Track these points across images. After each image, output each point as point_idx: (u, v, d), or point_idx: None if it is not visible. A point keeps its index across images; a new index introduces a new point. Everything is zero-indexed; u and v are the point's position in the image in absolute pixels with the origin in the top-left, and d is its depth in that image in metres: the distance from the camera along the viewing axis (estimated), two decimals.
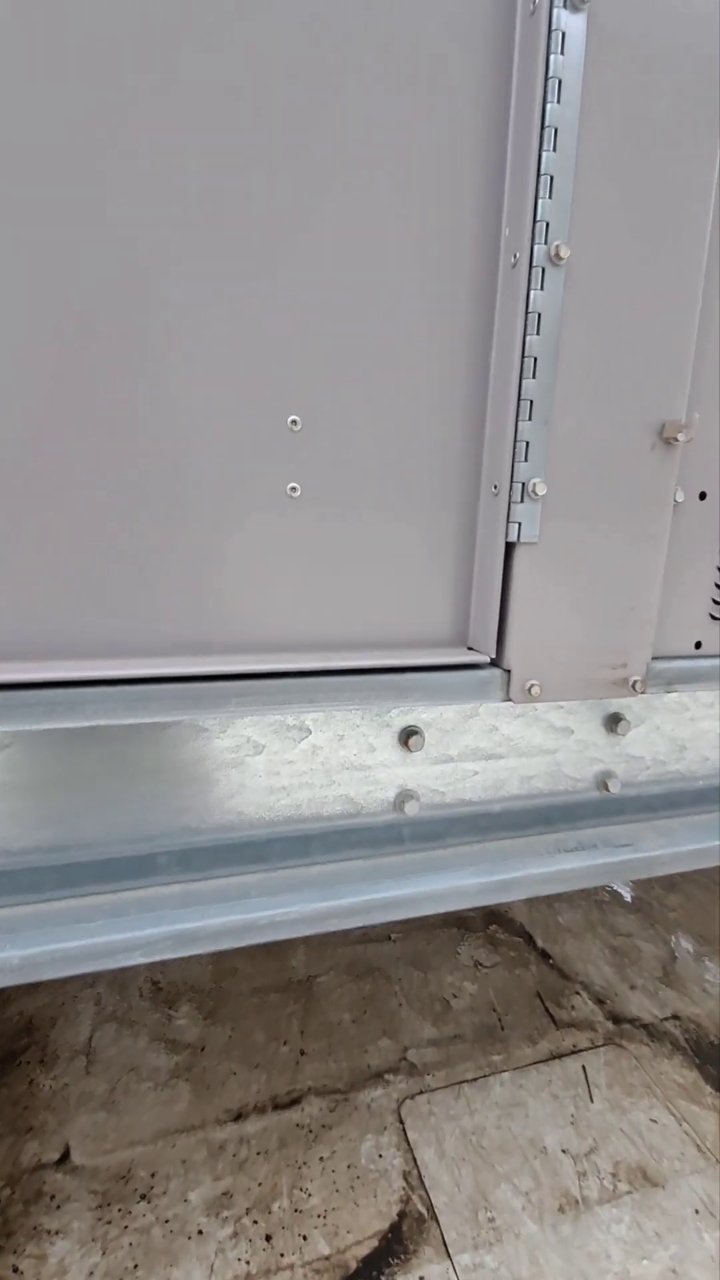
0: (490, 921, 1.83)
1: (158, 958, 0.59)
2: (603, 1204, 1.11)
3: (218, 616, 0.69)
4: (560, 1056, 1.39)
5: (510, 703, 0.77)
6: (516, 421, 0.70)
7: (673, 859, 0.82)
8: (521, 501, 0.72)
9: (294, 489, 0.69)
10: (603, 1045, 1.43)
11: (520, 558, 0.74)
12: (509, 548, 0.74)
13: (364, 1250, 1.04)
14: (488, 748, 0.81)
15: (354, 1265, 1.02)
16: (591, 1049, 1.42)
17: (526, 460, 0.71)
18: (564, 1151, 1.20)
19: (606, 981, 1.62)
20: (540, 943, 1.75)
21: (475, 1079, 1.33)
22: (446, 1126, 1.23)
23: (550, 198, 0.65)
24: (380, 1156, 1.17)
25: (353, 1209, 1.09)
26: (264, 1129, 1.22)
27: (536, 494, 0.71)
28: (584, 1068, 1.37)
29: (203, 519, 0.67)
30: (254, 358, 0.65)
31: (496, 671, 0.77)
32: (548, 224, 0.65)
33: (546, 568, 0.75)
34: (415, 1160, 1.17)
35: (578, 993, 1.58)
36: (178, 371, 0.63)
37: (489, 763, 0.81)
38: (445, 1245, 1.04)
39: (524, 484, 0.71)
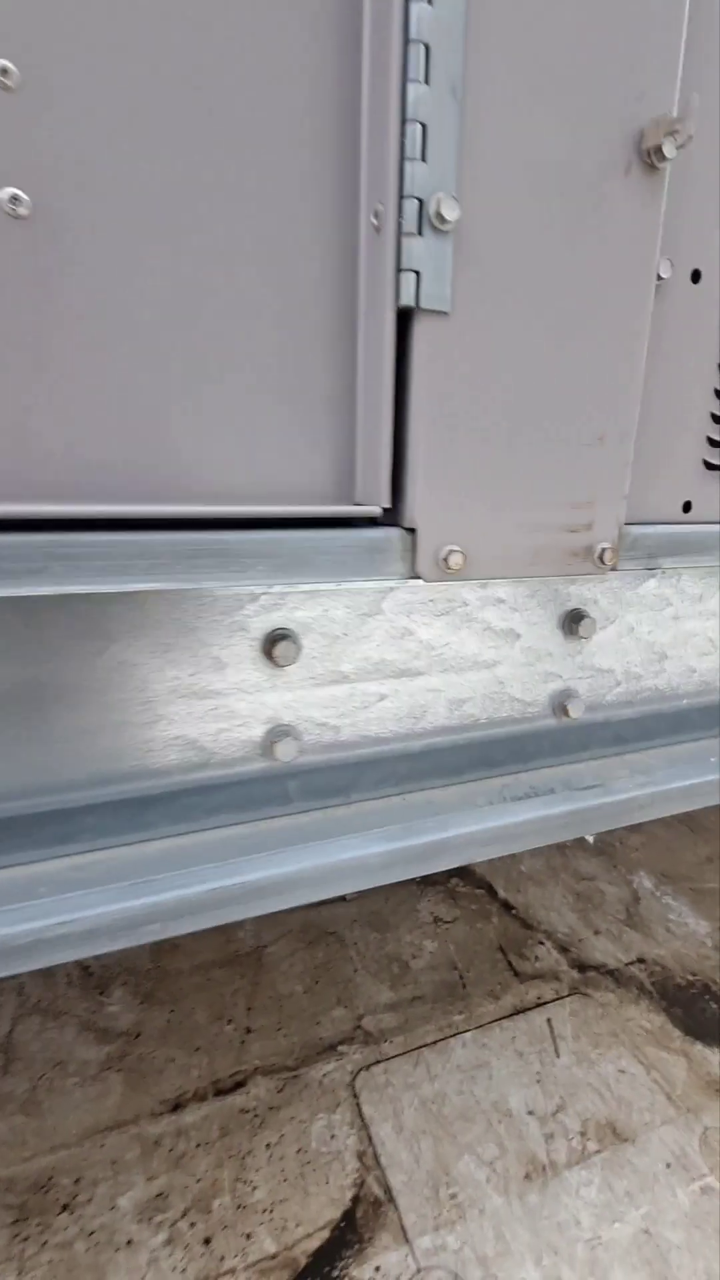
0: (450, 874, 1.74)
1: None
2: (571, 1167, 1.04)
3: None
4: (524, 1010, 1.31)
5: (420, 582, 0.52)
6: (403, 82, 0.42)
7: (652, 801, 0.63)
8: (419, 234, 0.44)
9: (15, 200, 0.41)
10: (568, 995, 1.35)
11: (422, 339, 0.47)
12: (403, 318, 0.47)
13: (314, 1243, 0.94)
14: (399, 661, 0.58)
15: (303, 1261, 0.92)
16: (556, 1000, 1.34)
17: (424, 159, 0.42)
18: (530, 1113, 1.12)
19: (570, 928, 1.55)
20: (502, 892, 1.67)
21: (435, 1042, 1.24)
22: (405, 1097, 1.14)
23: None
24: (333, 1137, 1.07)
25: (302, 1199, 0.99)
26: (204, 1118, 1.10)
27: (443, 220, 0.43)
28: (549, 1020, 1.29)
29: None
30: None
31: (394, 532, 0.51)
32: None
33: (466, 358, 0.48)
34: (370, 1137, 1.07)
35: (541, 942, 1.50)
36: None
37: (402, 682, 0.58)
38: (404, 1229, 0.95)
39: (421, 203, 0.43)
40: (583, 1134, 1.09)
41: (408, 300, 0.47)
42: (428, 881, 1.71)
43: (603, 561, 0.58)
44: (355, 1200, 0.99)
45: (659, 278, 0.55)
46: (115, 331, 0.45)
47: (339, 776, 0.59)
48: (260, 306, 0.47)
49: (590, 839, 1.93)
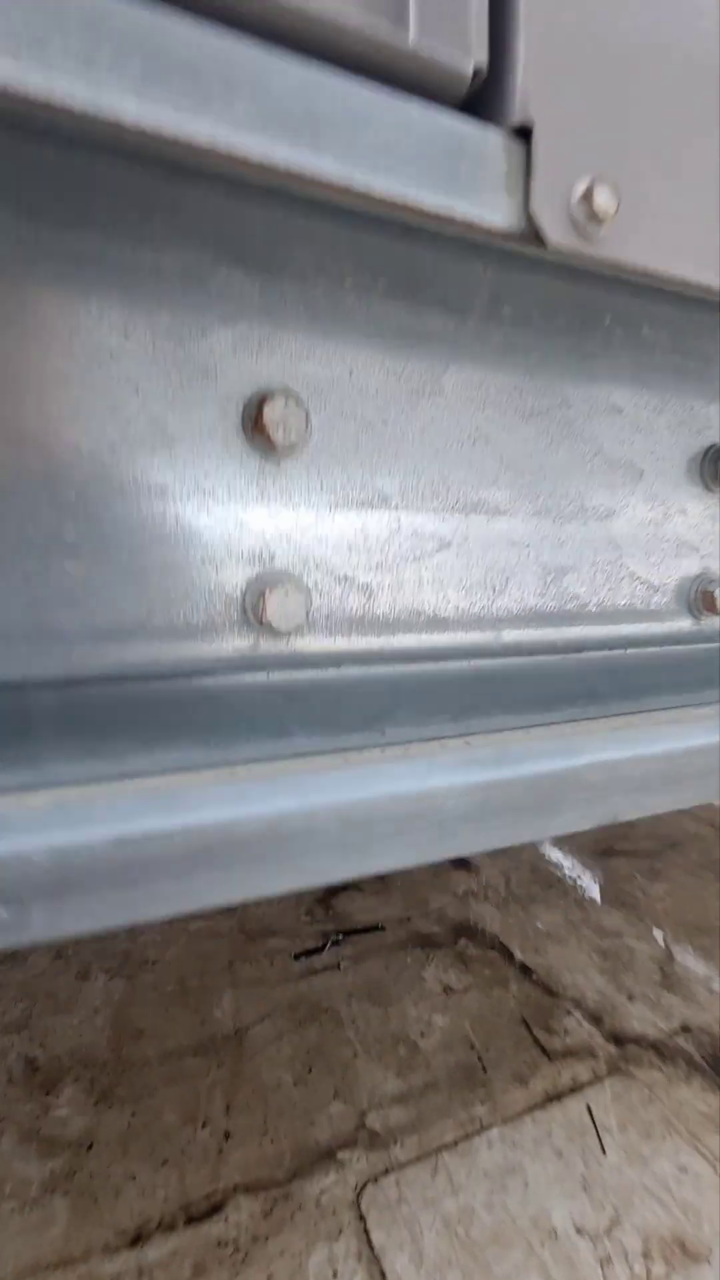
0: (458, 935, 1.54)
1: None
2: None
3: None
4: (559, 1097, 1.11)
5: (526, 236, 0.30)
6: None
7: None
8: None
9: None
10: (607, 1076, 1.15)
11: None
12: None
13: None
14: (469, 484, 0.36)
15: None
16: (594, 1083, 1.14)
17: None
18: (579, 1231, 0.90)
19: (600, 993, 1.36)
20: (519, 954, 1.48)
21: (456, 1142, 1.03)
22: (423, 1216, 0.92)
23: None
24: (335, 1275, 0.85)
25: None
26: (172, 1253, 0.87)
27: None
28: (589, 1108, 1.09)
29: None
30: None
31: (494, 132, 0.27)
32: None
33: None
34: (383, 1273, 0.85)
35: (569, 1011, 1.30)
36: None
37: (472, 523, 0.34)
38: None
39: None
40: (645, 1255, 0.87)
41: None
42: (432, 944, 1.51)
43: None
44: None
45: None
46: None
47: (372, 688, 0.35)
48: None
49: (598, 897, 1.74)
